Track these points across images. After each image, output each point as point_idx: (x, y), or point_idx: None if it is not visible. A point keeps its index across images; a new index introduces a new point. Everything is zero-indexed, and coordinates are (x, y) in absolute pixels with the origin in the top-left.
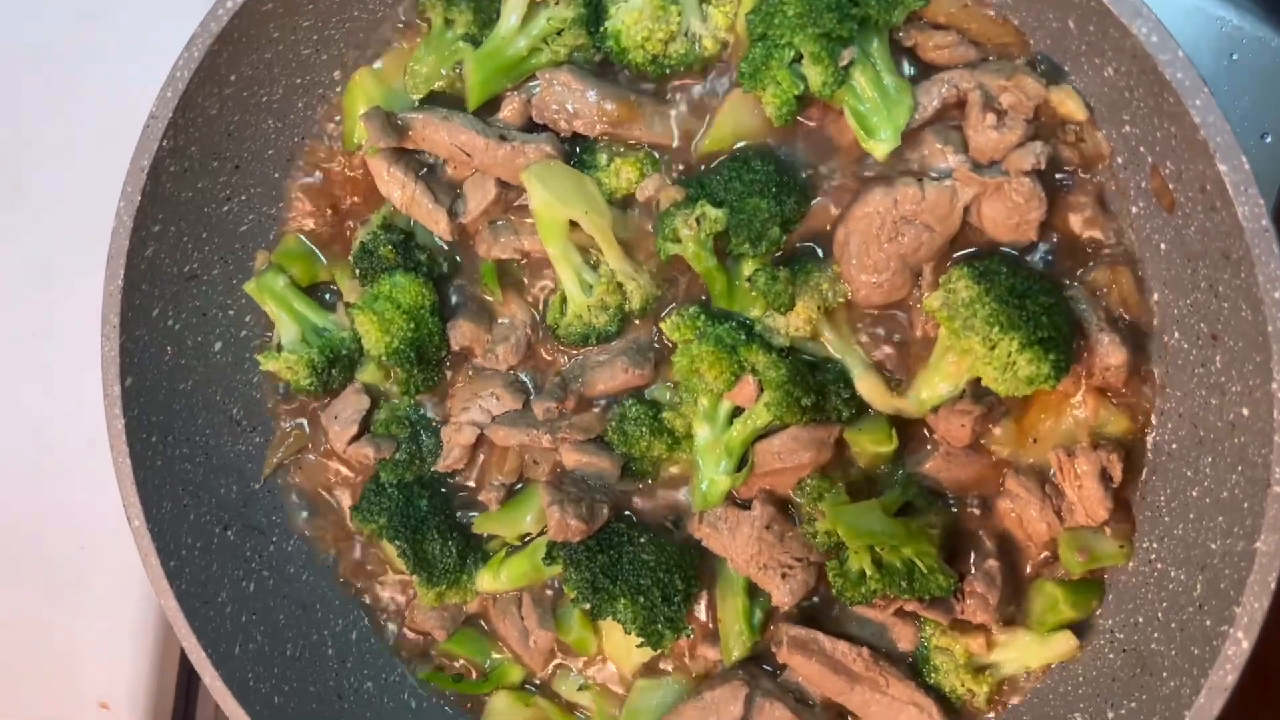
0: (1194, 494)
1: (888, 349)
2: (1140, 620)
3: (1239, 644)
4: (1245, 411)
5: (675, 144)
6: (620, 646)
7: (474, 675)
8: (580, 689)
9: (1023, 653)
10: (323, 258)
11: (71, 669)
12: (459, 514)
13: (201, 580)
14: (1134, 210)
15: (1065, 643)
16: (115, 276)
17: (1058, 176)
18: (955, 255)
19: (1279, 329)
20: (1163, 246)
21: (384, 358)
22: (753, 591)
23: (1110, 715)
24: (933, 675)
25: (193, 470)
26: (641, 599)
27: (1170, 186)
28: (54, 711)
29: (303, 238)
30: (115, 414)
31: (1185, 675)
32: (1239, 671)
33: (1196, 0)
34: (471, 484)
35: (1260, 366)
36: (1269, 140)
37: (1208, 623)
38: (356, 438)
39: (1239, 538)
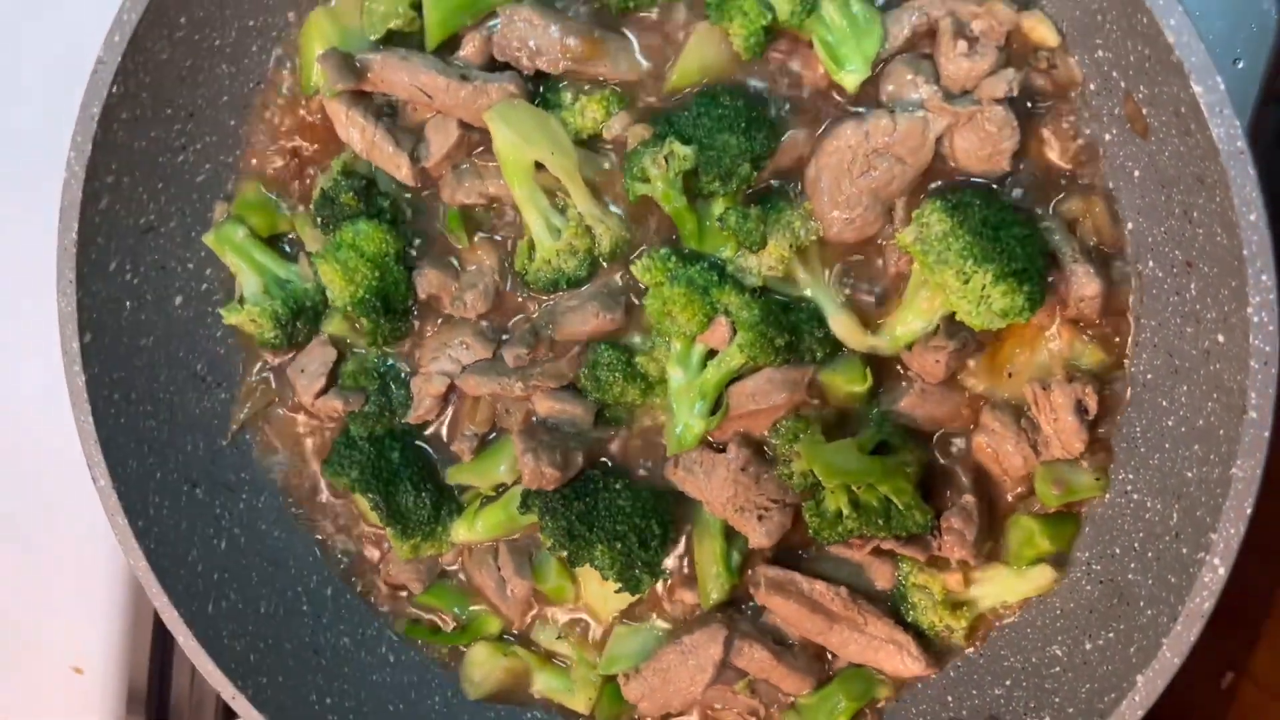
0: (1169, 423)
1: (861, 287)
2: (1117, 551)
3: (1215, 570)
4: (1220, 338)
5: (641, 80)
6: (598, 594)
7: (452, 627)
8: (559, 638)
9: (1000, 587)
10: (283, 207)
11: (42, 633)
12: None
13: (171, 539)
14: (1107, 137)
15: (1042, 576)
16: (69, 229)
17: (1030, 105)
18: (928, 189)
19: (1254, 253)
20: (1136, 174)
21: (349, 308)
22: (729, 535)
23: (1088, 646)
24: (910, 612)
25: (157, 428)
26: (619, 544)
27: (1144, 111)
28: (26, 677)
29: (261, 187)
30: (75, 371)
31: (1162, 604)
32: (1216, 598)
33: None
34: (443, 434)
35: (1235, 291)
36: (1241, 65)
37: (1184, 550)
38: (324, 390)
39: (1214, 465)
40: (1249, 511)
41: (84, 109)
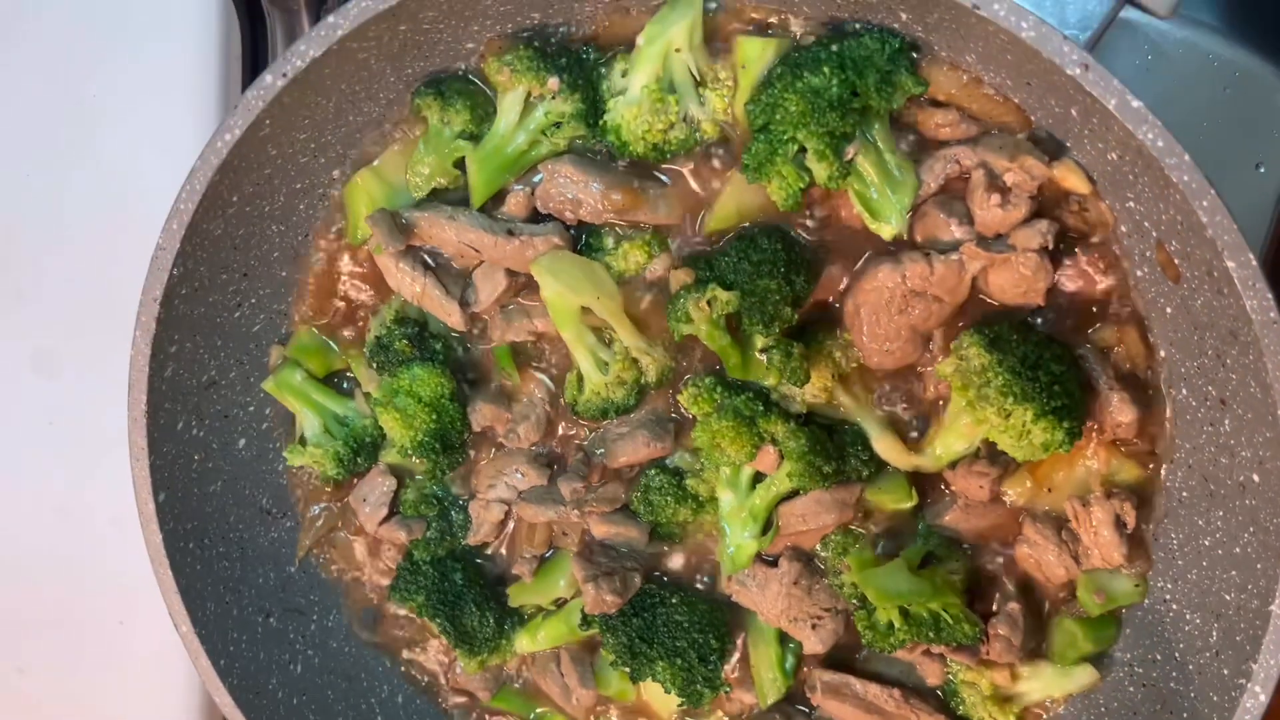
0: (1206, 543)
1: (903, 409)
2: (1158, 657)
3: (1257, 697)
4: (1255, 478)
5: (681, 223)
6: (659, 694)
7: None
8: None
9: (1046, 683)
10: (336, 349)
11: None
12: (493, 581)
13: (251, 671)
14: (1139, 274)
15: (1086, 675)
16: (138, 402)
17: (1062, 244)
18: (965, 317)
19: None
20: (1169, 310)
21: (410, 451)
22: (784, 639)
23: None
24: (960, 707)
25: (230, 567)
26: (679, 660)
27: (1176, 261)
28: None
29: (314, 330)
30: (153, 530)
31: None
32: None
33: (1190, 36)
34: (503, 552)
35: (1270, 442)
36: (1263, 170)
37: (1225, 671)
38: (387, 519)
39: (1253, 595)
40: None
41: (146, 293)
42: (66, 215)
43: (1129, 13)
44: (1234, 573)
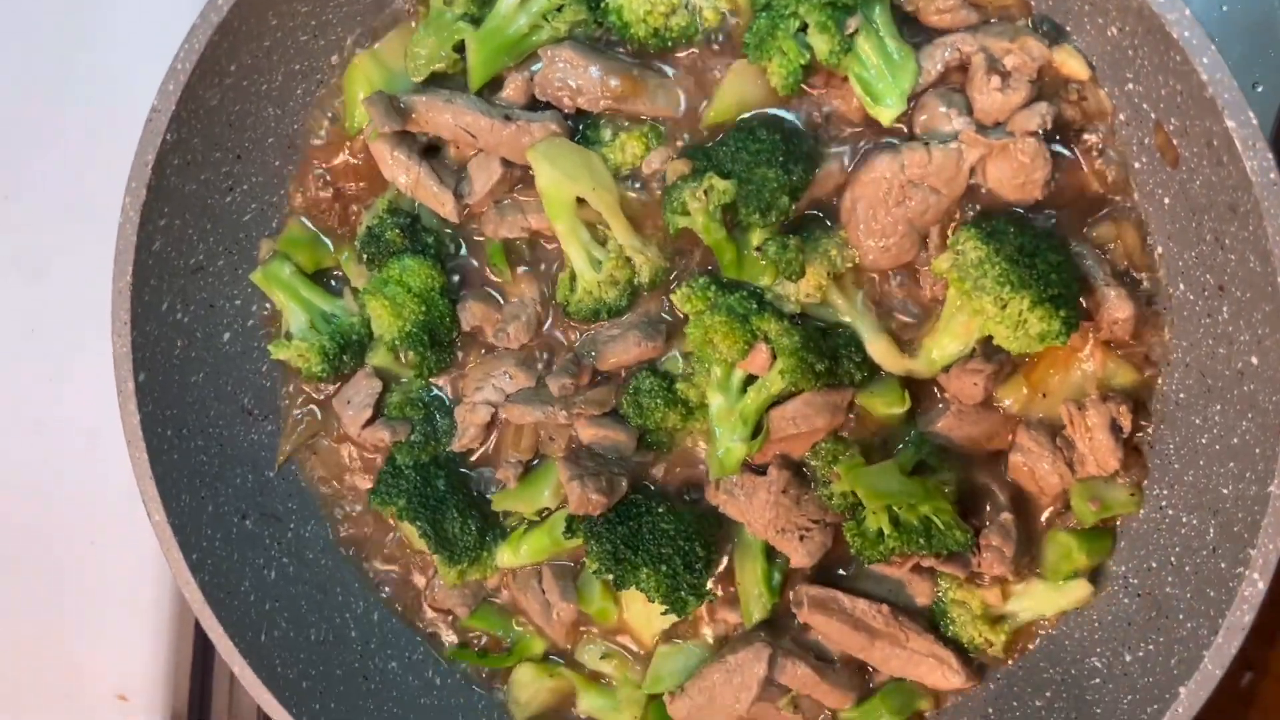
0: (1203, 441)
1: (897, 311)
2: (1154, 565)
3: (1255, 585)
4: (1254, 360)
5: (680, 116)
6: (640, 615)
7: (497, 649)
8: (603, 657)
9: (1038, 601)
10: (328, 243)
11: (89, 664)
12: (476, 492)
13: (224, 570)
14: (1137, 165)
15: (1080, 590)
16: (124, 273)
17: (1060, 134)
18: (961, 216)
19: None
20: (1166, 201)
21: (397, 342)
22: (770, 554)
23: (1128, 658)
24: (950, 627)
25: (208, 462)
26: (664, 567)
27: (1174, 142)
28: (74, 705)
29: (306, 223)
30: (130, 410)
31: (1202, 617)
32: (1256, 611)
33: None
34: (488, 462)
35: (1269, 316)
36: (1260, 90)
37: (1222, 565)
38: (370, 421)
39: (1251, 482)
40: None
41: (139, 156)
42: (54, 115)
43: None
44: (1231, 464)
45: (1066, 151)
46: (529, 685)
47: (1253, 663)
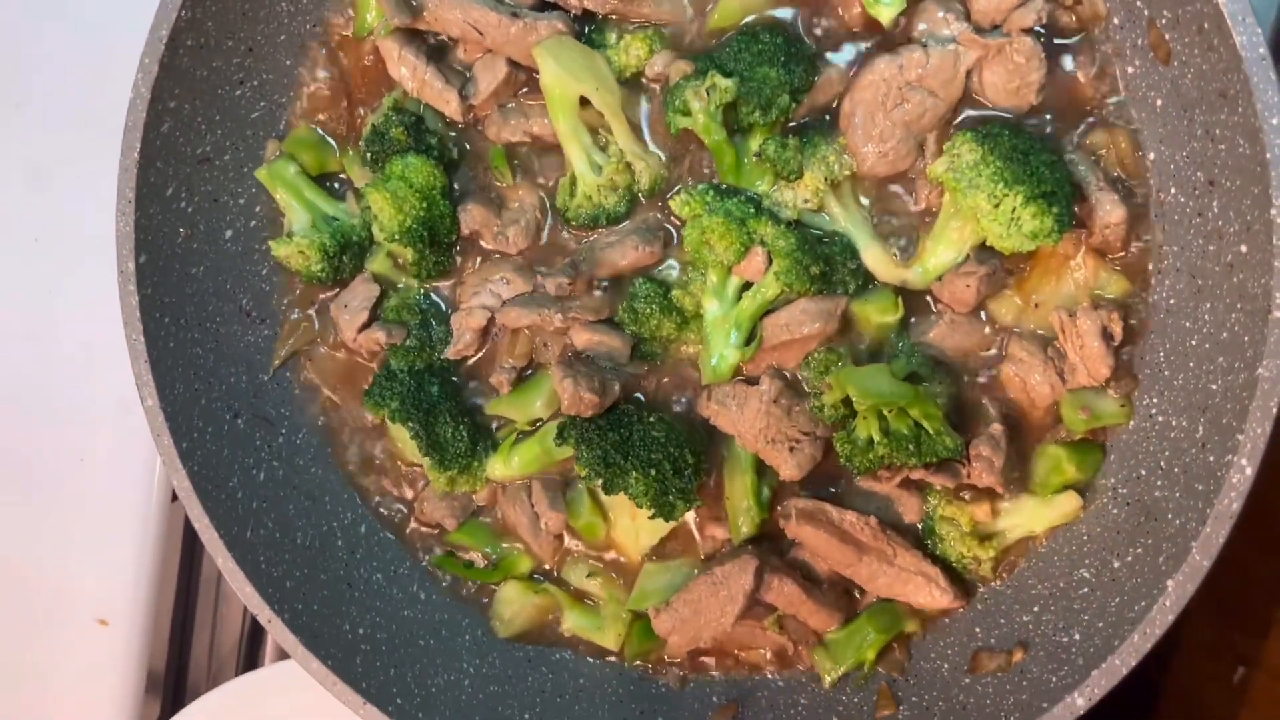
0: (1193, 343)
1: (892, 220)
2: (1143, 473)
3: (1243, 471)
4: (1243, 248)
5: (684, 20)
6: (628, 531)
7: (483, 565)
8: (589, 576)
9: (1027, 517)
10: (333, 145)
11: (70, 586)
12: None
13: (213, 464)
14: (1130, 70)
15: (1069, 503)
16: (131, 149)
17: (1055, 40)
18: (957, 124)
19: (1277, 156)
20: (1159, 103)
21: (398, 236)
22: (760, 470)
23: (1116, 564)
24: (939, 545)
25: (203, 356)
26: (653, 472)
27: (1166, 37)
28: (54, 629)
29: (313, 126)
30: (129, 290)
31: (1190, 511)
32: (1244, 498)
33: None
34: (482, 373)
35: (1259, 198)
36: None
37: (1211, 459)
38: (366, 325)
39: (1239, 371)
40: (1275, 411)
41: (153, 31)
42: (64, 29)
43: None
44: (1221, 360)
45: (1062, 56)
46: (513, 602)
47: (1245, 657)
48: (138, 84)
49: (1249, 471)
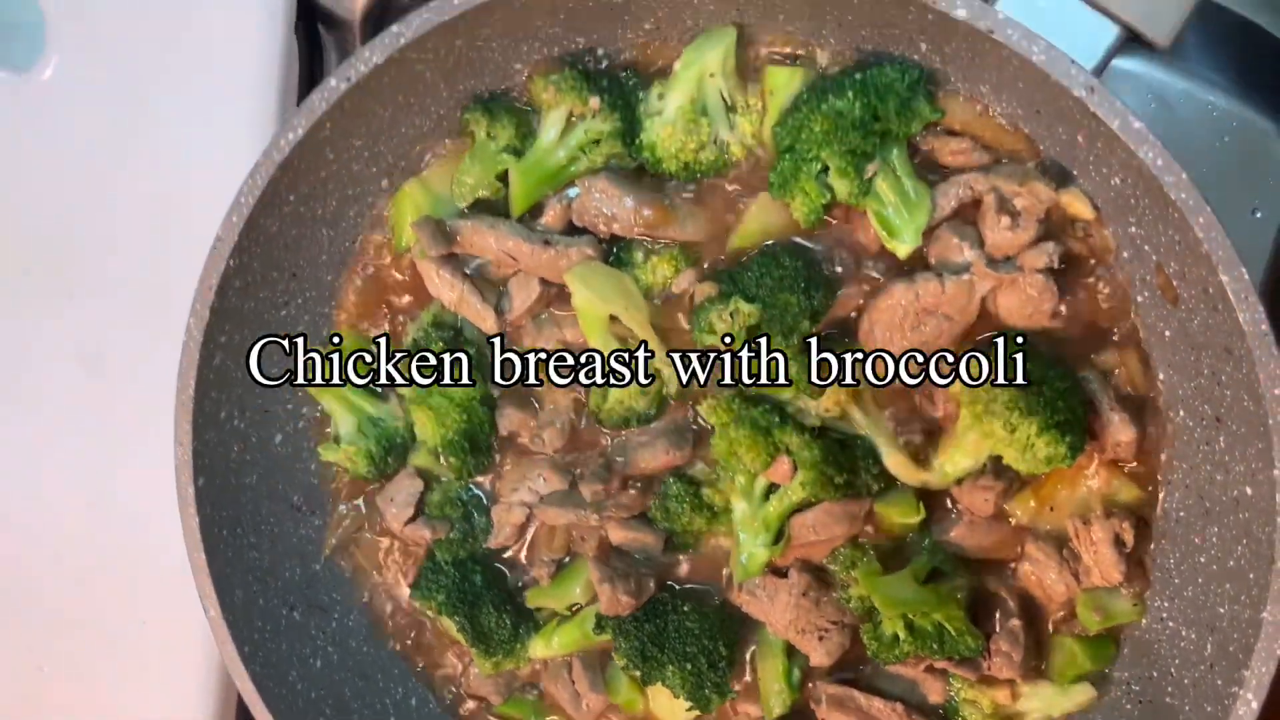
0: (1202, 560)
1: (913, 426)
2: (1155, 675)
3: (1249, 704)
4: (1249, 490)
5: (707, 242)
6: (666, 706)
7: None
8: None
9: (1045, 702)
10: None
11: None
12: (511, 586)
13: (273, 662)
14: (1139, 299)
15: (1084, 693)
16: (186, 387)
17: (1067, 267)
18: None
19: (1279, 423)
20: (1167, 334)
21: (439, 449)
22: (790, 652)
23: None
24: None
25: (260, 558)
26: (689, 665)
27: (1174, 283)
28: None
29: (354, 334)
30: (190, 514)
31: None
32: None
33: (1192, 87)
34: (523, 560)
35: (1262, 453)
36: (1259, 215)
37: (1219, 683)
38: (412, 519)
39: (1245, 605)
40: (1279, 652)
41: (202, 281)
42: (119, 220)
43: (1133, 62)
44: (1228, 585)
45: (1075, 281)
46: None
47: None
48: (190, 328)
49: (1254, 705)
